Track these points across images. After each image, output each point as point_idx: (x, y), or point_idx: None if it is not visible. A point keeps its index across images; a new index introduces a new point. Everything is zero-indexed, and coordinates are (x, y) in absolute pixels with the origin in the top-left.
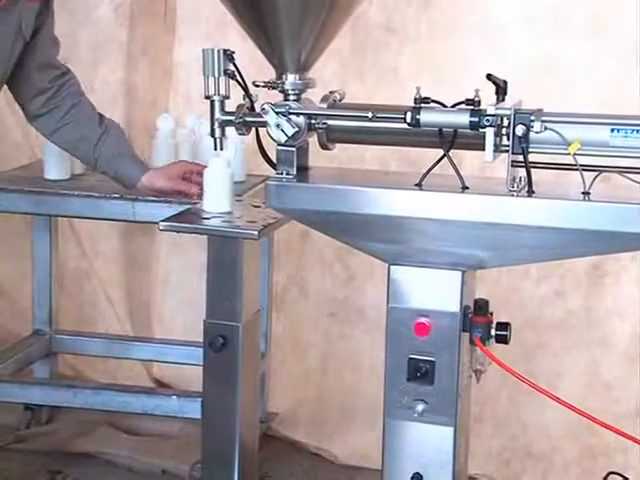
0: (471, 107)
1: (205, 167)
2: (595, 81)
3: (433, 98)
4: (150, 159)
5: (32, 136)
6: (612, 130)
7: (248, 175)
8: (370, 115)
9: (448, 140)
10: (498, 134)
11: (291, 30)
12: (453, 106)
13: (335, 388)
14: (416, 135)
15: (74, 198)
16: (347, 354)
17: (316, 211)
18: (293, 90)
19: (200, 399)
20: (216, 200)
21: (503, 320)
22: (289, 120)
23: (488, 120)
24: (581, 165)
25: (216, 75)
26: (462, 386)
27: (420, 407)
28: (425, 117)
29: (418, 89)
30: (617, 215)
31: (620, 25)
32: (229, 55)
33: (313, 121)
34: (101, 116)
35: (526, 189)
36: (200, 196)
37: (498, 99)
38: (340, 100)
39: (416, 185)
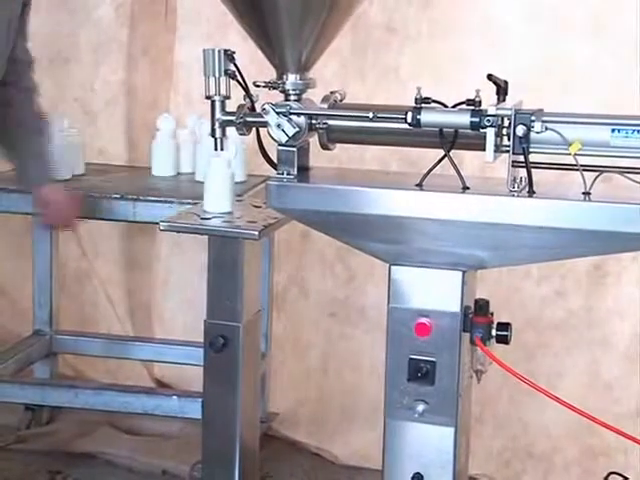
0: (472, 107)
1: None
2: (595, 81)
3: (434, 98)
4: (151, 159)
5: None
6: (613, 130)
7: (249, 175)
8: (371, 115)
9: (449, 140)
10: (499, 134)
11: (292, 30)
12: (454, 106)
13: (336, 388)
14: (417, 135)
15: None
16: (348, 354)
17: (317, 211)
18: (294, 90)
19: (200, 399)
20: (217, 200)
21: (504, 320)
22: (290, 120)
23: (489, 120)
24: (582, 165)
25: (217, 75)
26: (463, 386)
27: (421, 407)
28: (426, 117)
29: (419, 89)
30: (618, 215)
31: (620, 25)
32: (230, 55)
33: (314, 121)
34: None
35: (527, 189)
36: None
37: (499, 99)
38: (341, 100)
39: (417, 185)
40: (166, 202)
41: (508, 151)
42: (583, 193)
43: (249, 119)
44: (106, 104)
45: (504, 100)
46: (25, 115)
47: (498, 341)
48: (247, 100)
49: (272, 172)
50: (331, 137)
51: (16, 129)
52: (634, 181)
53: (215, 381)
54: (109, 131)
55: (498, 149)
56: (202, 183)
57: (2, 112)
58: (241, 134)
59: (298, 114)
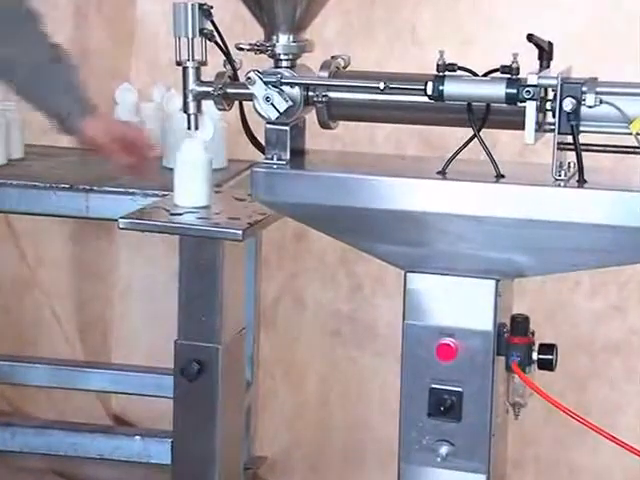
0: (508, 76)
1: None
2: None
3: (460, 64)
4: None
5: None
6: None
7: (230, 161)
8: (382, 86)
9: (479, 117)
10: (541, 109)
11: None
12: (485, 74)
13: (338, 425)
14: (439, 111)
15: (11, 189)
16: (353, 382)
17: (314, 205)
18: (286, 54)
19: (169, 440)
20: (190, 192)
21: (547, 341)
22: (281, 92)
23: (529, 92)
24: None
25: (190, 36)
26: (496, 423)
27: (444, 450)
28: (450, 88)
29: (441, 53)
30: None
31: None
32: (206, 10)
33: (311, 93)
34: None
35: (576, 178)
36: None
37: (541, 66)
38: (344, 67)
39: (439, 173)
40: (127, 194)
41: (553, 130)
42: None
43: (230, 90)
44: None
45: (548, 67)
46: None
47: (541, 367)
48: (228, 67)
49: (259, 156)
50: (332, 113)
51: None
52: None
53: (188, 417)
54: None
55: (540, 128)
56: (172, 170)
57: None
58: (220, 109)
59: (291, 84)
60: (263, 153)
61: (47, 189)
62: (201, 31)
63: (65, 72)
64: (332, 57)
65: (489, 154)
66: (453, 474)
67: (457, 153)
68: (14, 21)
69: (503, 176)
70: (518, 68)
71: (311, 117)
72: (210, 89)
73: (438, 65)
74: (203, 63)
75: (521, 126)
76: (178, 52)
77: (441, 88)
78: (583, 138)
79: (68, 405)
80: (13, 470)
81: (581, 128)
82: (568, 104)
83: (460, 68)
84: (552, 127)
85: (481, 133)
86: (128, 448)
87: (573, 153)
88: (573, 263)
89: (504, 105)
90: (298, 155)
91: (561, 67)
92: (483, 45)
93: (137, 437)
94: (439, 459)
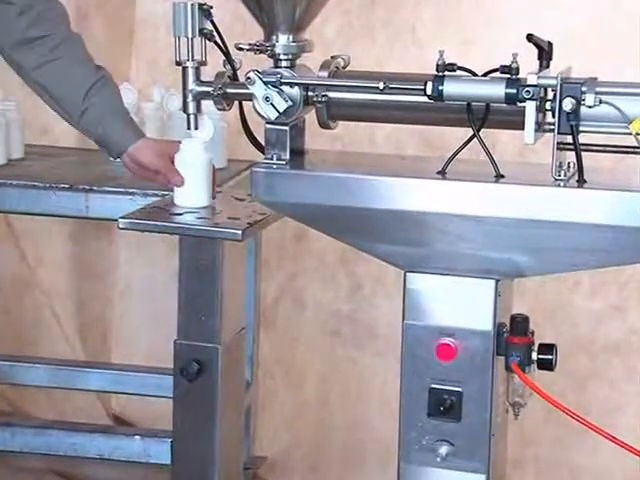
0: (507, 76)
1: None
2: None
3: (460, 64)
4: None
5: None
6: None
7: (230, 161)
8: (381, 86)
9: (478, 117)
10: (541, 109)
11: None
12: (485, 74)
13: (338, 425)
14: (439, 111)
15: (11, 189)
16: (353, 383)
17: (314, 205)
18: (285, 54)
19: (169, 440)
20: (190, 192)
21: (547, 341)
22: (280, 92)
23: (528, 92)
24: None
25: (189, 36)
26: (496, 423)
27: (444, 450)
28: (450, 88)
29: (441, 53)
30: None
31: None
32: (206, 10)
33: (311, 93)
34: (95, 63)
35: (576, 178)
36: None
37: (541, 66)
38: (344, 67)
39: (439, 173)
40: (127, 194)
41: (552, 130)
42: None
43: (230, 90)
44: None
45: (548, 67)
46: (84, 52)
47: (540, 367)
48: (227, 67)
49: (259, 156)
50: (332, 113)
51: None
52: None
53: (187, 417)
54: None
55: (540, 128)
56: None
57: None
58: (220, 109)
59: (291, 84)
60: (263, 153)
61: (47, 189)
62: (201, 31)
63: (111, 94)
64: (332, 57)
65: (489, 154)
66: (453, 474)
67: (457, 153)
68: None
69: (503, 176)
70: (518, 68)
71: (311, 117)
72: (210, 89)
73: (438, 65)
74: (203, 63)
75: (521, 126)
76: (178, 52)
77: (441, 88)
78: (583, 138)
79: (68, 405)
80: (13, 470)
81: (581, 128)
82: (568, 104)
83: (460, 68)
84: (552, 127)
85: (481, 133)
86: (128, 448)
87: (573, 153)
88: (573, 263)
89: (504, 105)
90: (298, 155)
91: (561, 67)
92: (483, 45)
93: (137, 437)
94: (439, 459)
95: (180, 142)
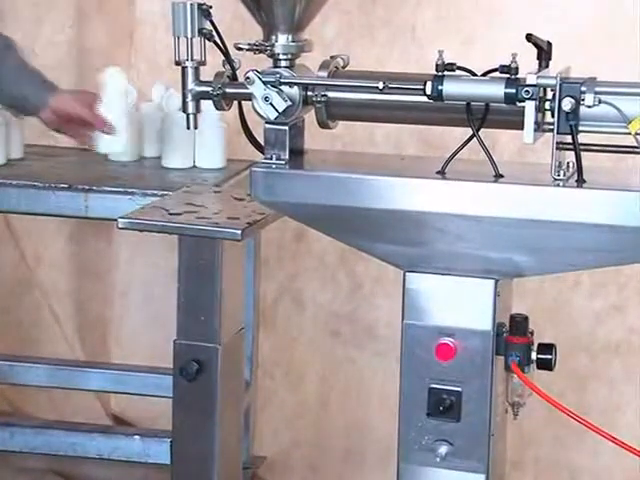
0: (507, 75)
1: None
2: None
3: (459, 64)
4: None
5: None
6: None
7: (229, 160)
8: (381, 85)
9: (478, 117)
10: (540, 109)
11: None
12: (484, 74)
13: (337, 425)
14: (438, 110)
15: (11, 189)
16: (352, 383)
17: (314, 205)
18: (285, 54)
19: (169, 440)
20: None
21: (547, 341)
22: (280, 92)
23: (528, 92)
24: None
25: (189, 35)
26: (495, 423)
27: (443, 449)
28: (449, 88)
29: (441, 53)
30: None
31: None
32: (205, 10)
33: (310, 93)
34: None
35: (575, 177)
36: (107, 132)
37: (540, 65)
38: (344, 67)
39: (438, 173)
40: (126, 193)
41: (552, 130)
42: None
43: (229, 90)
44: (50, 70)
45: (547, 67)
46: None
47: (540, 367)
48: (227, 67)
49: (258, 156)
50: (332, 113)
51: None
52: None
53: (187, 417)
54: None
55: (539, 127)
56: (171, 170)
57: None
58: (219, 109)
59: (290, 84)
60: (262, 153)
61: (46, 189)
62: (200, 31)
63: (18, 57)
64: (331, 57)
65: (488, 154)
66: (452, 474)
67: (456, 153)
68: None
69: (502, 176)
70: (517, 68)
71: (310, 117)
72: (209, 89)
73: (437, 65)
74: (202, 63)
75: (520, 126)
76: (177, 52)
77: (440, 88)
78: (582, 138)
79: (68, 405)
80: (13, 470)
81: (580, 128)
82: (567, 104)
83: (459, 68)
84: (551, 127)
85: (480, 133)
86: (127, 448)
87: (572, 153)
88: (572, 263)
89: (503, 105)
90: (297, 155)
91: (560, 67)
92: (483, 45)
93: (136, 437)
94: (438, 459)
95: (92, 93)
